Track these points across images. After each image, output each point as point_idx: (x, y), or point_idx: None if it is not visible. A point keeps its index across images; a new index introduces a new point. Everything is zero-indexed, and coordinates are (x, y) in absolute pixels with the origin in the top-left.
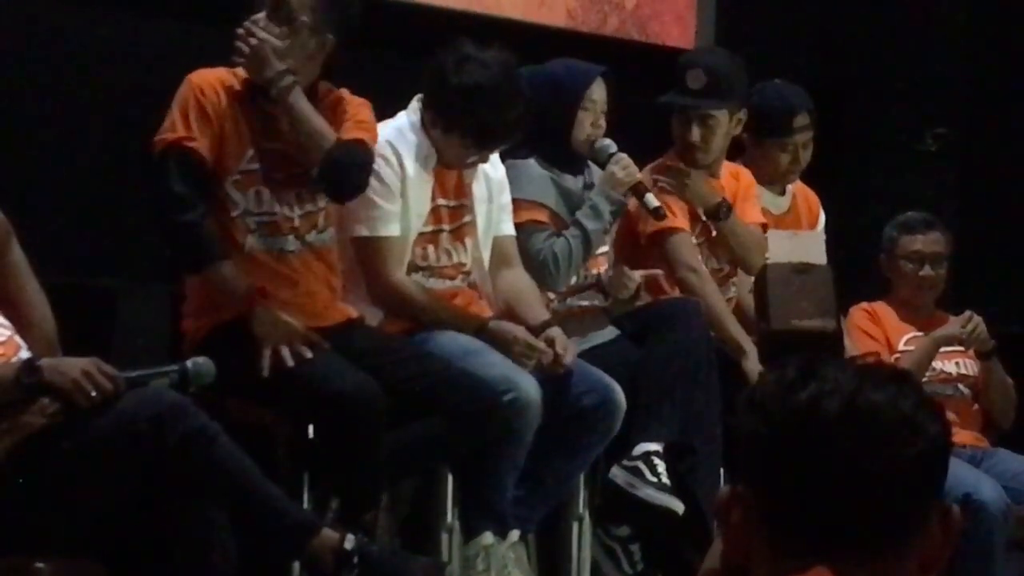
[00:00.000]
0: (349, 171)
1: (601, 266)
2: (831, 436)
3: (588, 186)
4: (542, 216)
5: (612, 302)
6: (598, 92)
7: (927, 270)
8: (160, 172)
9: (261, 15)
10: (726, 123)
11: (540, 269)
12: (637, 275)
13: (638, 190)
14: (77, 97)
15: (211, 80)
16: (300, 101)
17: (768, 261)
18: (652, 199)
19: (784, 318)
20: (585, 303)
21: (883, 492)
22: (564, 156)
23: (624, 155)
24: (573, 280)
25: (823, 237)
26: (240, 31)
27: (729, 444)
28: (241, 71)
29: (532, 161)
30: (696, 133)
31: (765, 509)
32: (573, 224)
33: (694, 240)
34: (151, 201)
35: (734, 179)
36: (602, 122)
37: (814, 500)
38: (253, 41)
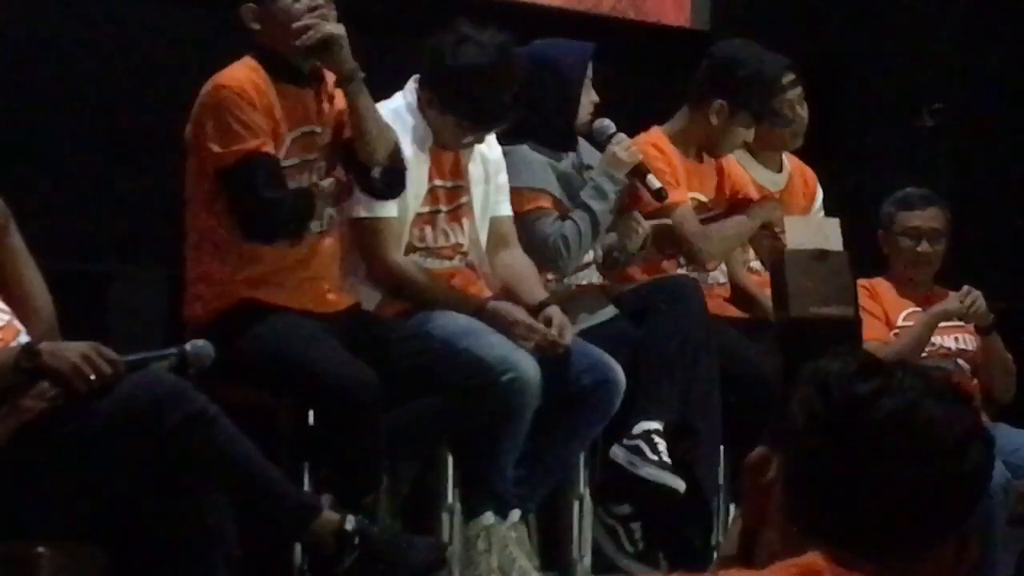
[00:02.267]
0: (404, 176)
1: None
2: (879, 433)
3: (579, 165)
4: (546, 203)
5: (620, 254)
6: (589, 69)
7: (925, 246)
8: (247, 183)
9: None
10: None
11: (552, 254)
12: (647, 224)
13: (639, 171)
14: (73, 81)
15: (243, 80)
16: (368, 97)
17: (786, 248)
18: (654, 180)
19: (803, 305)
20: (583, 282)
21: (909, 503)
22: (559, 137)
23: (624, 135)
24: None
25: (838, 223)
26: (309, 20)
27: (728, 422)
28: (253, 62)
29: (527, 147)
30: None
31: (793, 480)
32: (579, 206)
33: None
34: (243, 213)
35: (726, 175)
36: (596, 96)
37: (842, 488)
38: (330, 29)
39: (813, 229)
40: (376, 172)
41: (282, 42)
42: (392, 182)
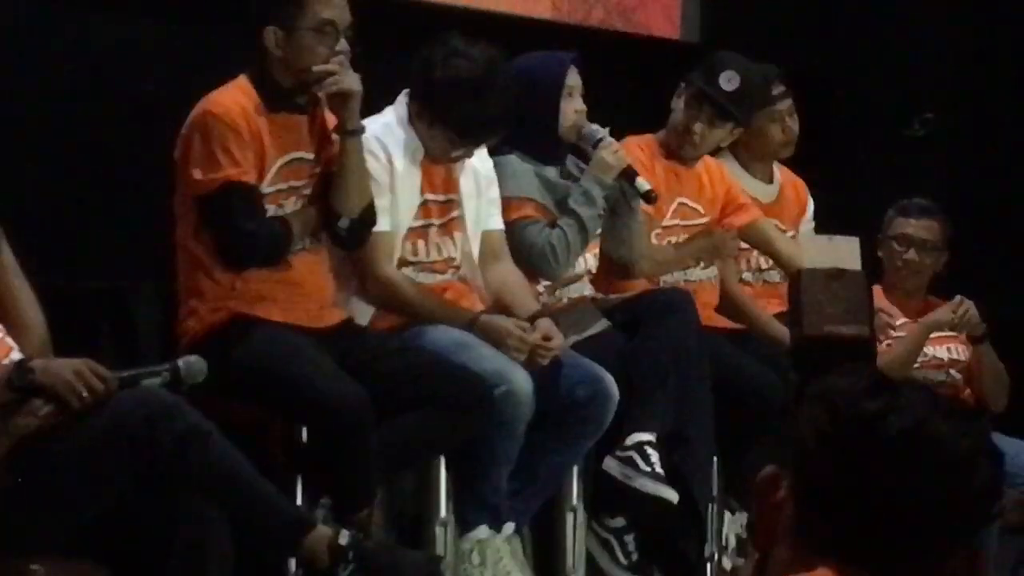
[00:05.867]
0: (370, 230)
1: (591, 250)
2: (887, 451)
3: (568, 176)
4: (531, 211)
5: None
6: (572, 78)
7: (912, 254)
8: (224, 212)
9: (345, 46)
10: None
11: (540, 261)
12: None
13: (628, 173)
14: (70, 97)
15: (232, 106)
16: (361, 154)
17: (804, 266)
18: (643, 182)
19: (817, 324)
20: (575, 294)
21: (919, 519)
22: (545, 148)
23: (613, 140)
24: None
25: (857, 242)
26: (335, 66)
27: (721, 433)
28: (247, 84)
29: (514, 156)
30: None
31: (803, 498)
32: (566, 212)
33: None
34: (219, 240)
35: (717, 182)
36: (582, 105)
37: (851, 505)
38: (351, 85)
39: (831, 248)
40: (343, 223)
41: (293, 74)
42: (354, 237)
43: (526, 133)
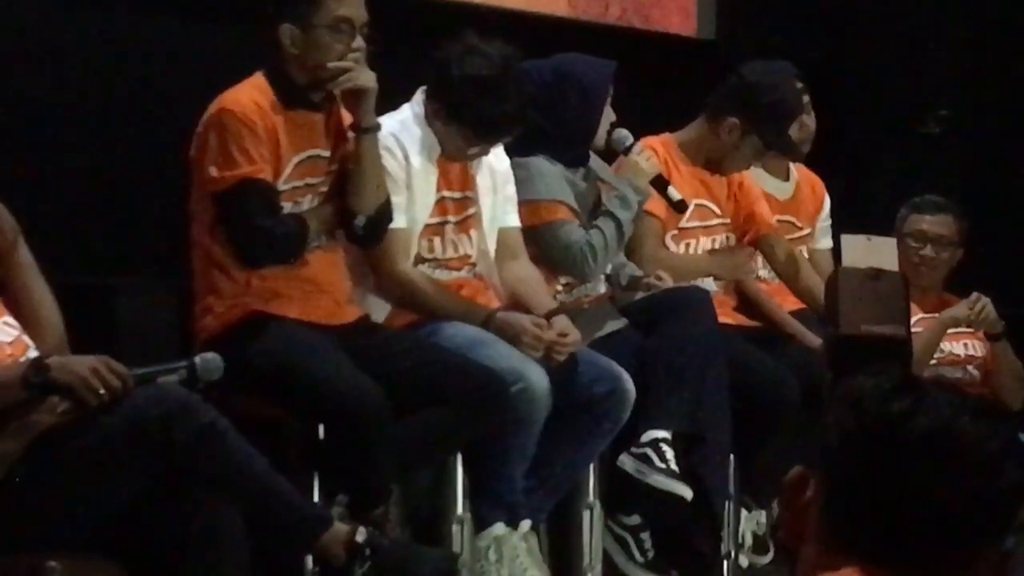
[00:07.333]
0: (386, 228)
1: None
2: (912, 453)
3: (592, 177)
4: (564, 214)
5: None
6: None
7: (928, 250)
8: (240, 209)
9: (361, 43)
10: None
11: (578, 260)
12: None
13: (660, 181)
14: (80, 94)
15: (248, 104)
16: (377, 152)
17: (841, 266)
18: (674, 191)
19: (854, 323)
20: (592, 293)
21: (945, 520)
22: (573, 151)
23: (642, 146)
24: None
25: (895, 243)
26: (350, 63)
27: (737, 431)
28: (263, 81)
29: (542, 159)
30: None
31: (830, 498)
32: (604, 215)
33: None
34: (236, 238)
35: (740, 187)
36: (612, 115)
37: (878, 505)
38: (366, 81)
39: (869, 248)
40: (360, 220)
41: (308, 72)
42: (371, 234)
43: (561, 136)
